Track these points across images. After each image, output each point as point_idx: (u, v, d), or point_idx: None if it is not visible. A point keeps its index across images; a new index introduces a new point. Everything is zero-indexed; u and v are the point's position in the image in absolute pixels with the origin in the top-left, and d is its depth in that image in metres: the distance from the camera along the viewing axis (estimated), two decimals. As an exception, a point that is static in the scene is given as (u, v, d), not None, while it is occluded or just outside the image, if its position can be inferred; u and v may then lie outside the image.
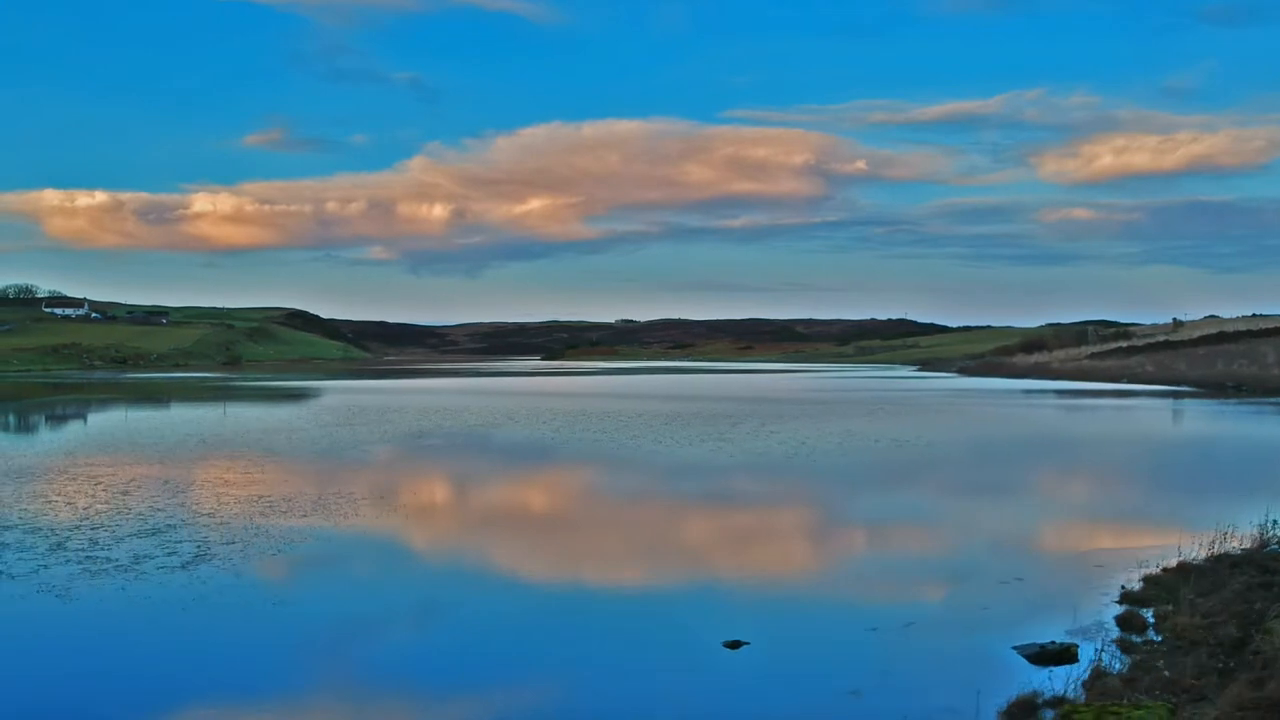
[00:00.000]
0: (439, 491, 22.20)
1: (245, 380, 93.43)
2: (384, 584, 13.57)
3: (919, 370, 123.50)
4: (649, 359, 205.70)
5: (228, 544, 15.40)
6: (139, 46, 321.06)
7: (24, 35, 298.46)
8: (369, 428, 36.99)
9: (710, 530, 17.57)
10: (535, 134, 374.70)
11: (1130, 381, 79.86)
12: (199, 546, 15.19)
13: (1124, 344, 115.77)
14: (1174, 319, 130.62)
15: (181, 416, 44.61)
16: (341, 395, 63.96)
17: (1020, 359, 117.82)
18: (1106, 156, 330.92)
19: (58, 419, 43.66)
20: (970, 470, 26.61)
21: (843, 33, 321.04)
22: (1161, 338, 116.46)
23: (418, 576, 14.18)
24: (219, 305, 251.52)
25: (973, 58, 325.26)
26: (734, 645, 10.37)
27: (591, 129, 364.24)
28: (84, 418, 44.22)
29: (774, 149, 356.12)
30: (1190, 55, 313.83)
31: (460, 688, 9.42)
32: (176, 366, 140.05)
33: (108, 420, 42.19)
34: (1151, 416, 46.00)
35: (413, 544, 16.28)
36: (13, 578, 13.31)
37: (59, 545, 15.25)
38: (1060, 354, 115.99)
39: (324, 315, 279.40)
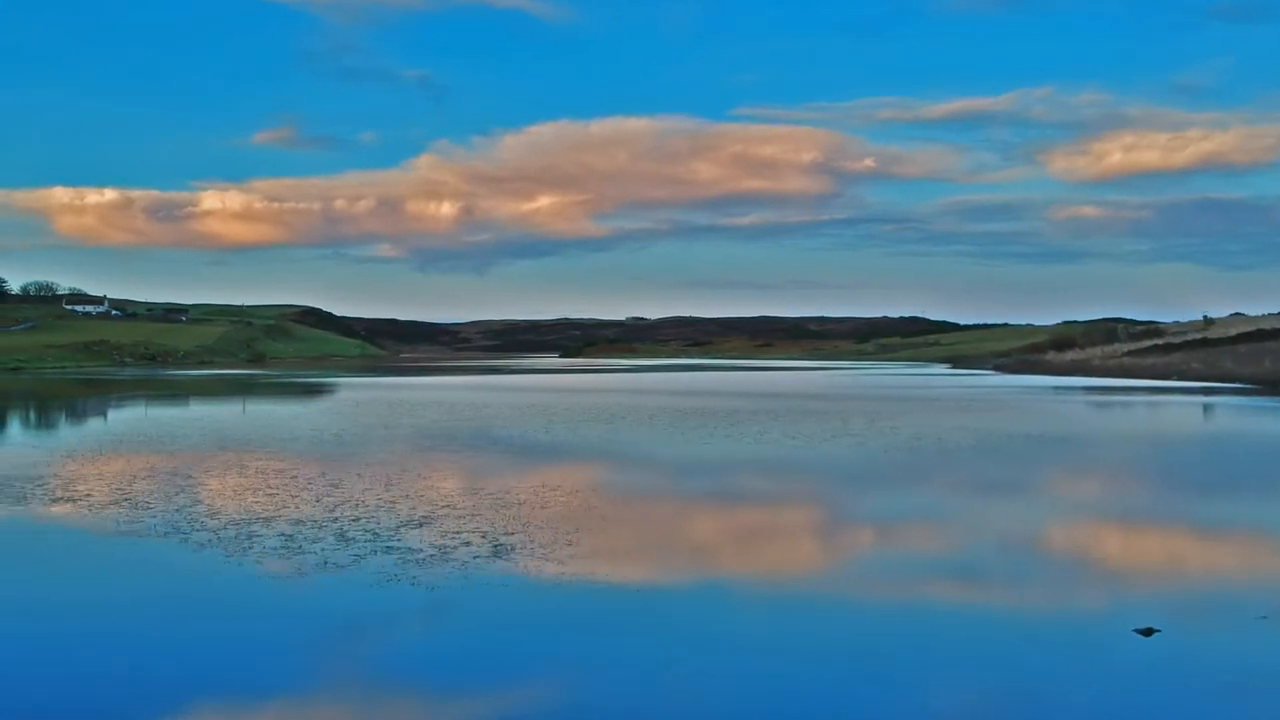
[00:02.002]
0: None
1: (290, 376, 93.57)
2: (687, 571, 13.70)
3: (952, 368, 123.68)
4: (669, 356, 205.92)
5: (510, 534, 15.49)
6: (148, 44, 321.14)
7: (32, 33, 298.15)
8: (489, 423, 37.13)
9: (1024, 524, 17.64)
10: (543, 132, 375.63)
11: (1180, 379, 79.93)
12: (484, 537, 15.27)
13: (1158, 342, 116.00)
14: (1204, 316, 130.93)
15: (282, 411, 44.67)
16: (406, 391, 64.02)
17: (1054, 357, 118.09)
18: (1116, 154, 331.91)
19: (160, 416, 43.63)
20: (1150, 465, 26.69)
21: (851, 30, 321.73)
22: (1195, 335, 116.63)
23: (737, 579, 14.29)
24: (230, 303, 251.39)
25: (981, 55, 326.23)
26: (1146, 632, 10.48)
27: (599, 127, 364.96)
28: (182, 413, 44.21)
29: (782, 147, 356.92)
30: (1201, 52, 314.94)
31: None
32: (203, 363, 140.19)
33: (211, 415, 42.15)
34: (1255, 414, 46.04)
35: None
36: (340, 567, 13.43)
37: (342, 536, 15.36)
38: (1095, 351, 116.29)
39: (336, 313, 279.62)
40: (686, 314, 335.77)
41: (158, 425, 36.45)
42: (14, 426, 39.29)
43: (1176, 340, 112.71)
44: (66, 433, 35.04)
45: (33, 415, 44.60)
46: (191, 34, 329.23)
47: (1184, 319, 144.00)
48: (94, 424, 39.08)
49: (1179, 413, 46.38)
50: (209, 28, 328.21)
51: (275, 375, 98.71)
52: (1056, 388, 70.00)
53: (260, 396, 60.60)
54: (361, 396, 57.86)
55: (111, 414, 44.90)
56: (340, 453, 26.97)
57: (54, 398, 58.17)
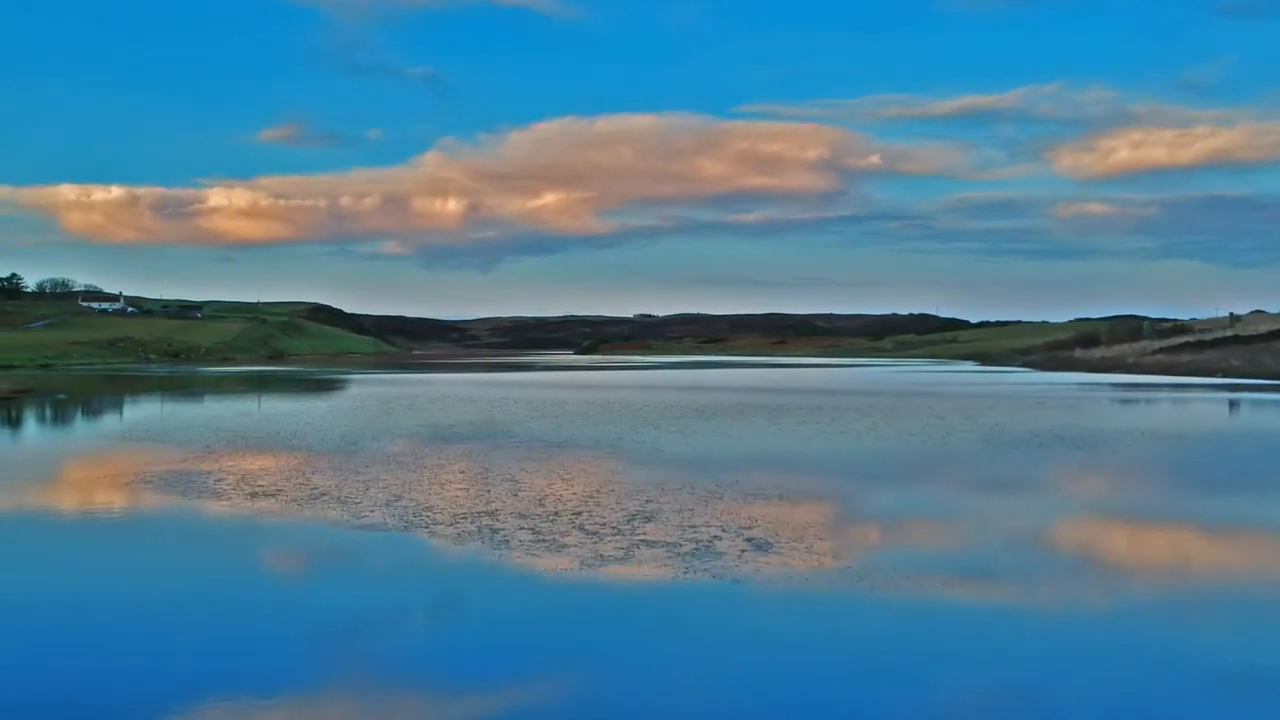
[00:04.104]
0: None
1: (324, 373, 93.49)
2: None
3: (980, 365, 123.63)
4: (685, 353, 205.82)
5: (747, 529, 15.49)
6: (155, 41, 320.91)
7: (39, 30, 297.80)
8: (591, 421, 37.16)
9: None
10: (549, 128, 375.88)
11: (1224, 376, 79.93)
12: (725, 531, 15.27)
13: (1188, 339, 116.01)
14: (1230, 314, 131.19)
15: (366, 407, 44.54)
16: (461, 387, 63.88)
17: (1082, 354, 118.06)
18: (1122, 151, 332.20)
19: (257, 412, 43.48)
20: None
21: (857, 27, 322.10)
22: (1223, 333, 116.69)
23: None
24: (239, 299, 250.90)
25: (988, 52, 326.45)
26: None
27: (605, 123, 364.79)
28: (276, 409, 44.11)
29: (788, 143, 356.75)
30: (1208, 49, 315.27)
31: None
32: (225, 360, 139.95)
33: (302, 411, 42.01)
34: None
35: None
36: (618, 560, 13.41)
37: (583, 529, 15.34)
38: (1125, 349, 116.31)
39: (345, 310, 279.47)
40: (694, 311, 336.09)
41: (265, 422, 36.34)
42: (129, 425, 39.25)
43: (1207, 338, 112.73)
44: (189, 430, 34.79)
45: (129, 414, 44.52)
46: (198, 31, 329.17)
47: (1198, 316, 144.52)
48: (203, 421, 38.81)
49: (1261, 409, 46.43)
50: (216, 25, 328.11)
51: (310, 372, 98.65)
52: (1110, 385, 69.96)
53: (321, 393, 60.57)
54: (424, 393, 57.70)
55: (206, 410, 44.74)
56: (476, 449, 26.95)
57: (129, 396, 58.12)
